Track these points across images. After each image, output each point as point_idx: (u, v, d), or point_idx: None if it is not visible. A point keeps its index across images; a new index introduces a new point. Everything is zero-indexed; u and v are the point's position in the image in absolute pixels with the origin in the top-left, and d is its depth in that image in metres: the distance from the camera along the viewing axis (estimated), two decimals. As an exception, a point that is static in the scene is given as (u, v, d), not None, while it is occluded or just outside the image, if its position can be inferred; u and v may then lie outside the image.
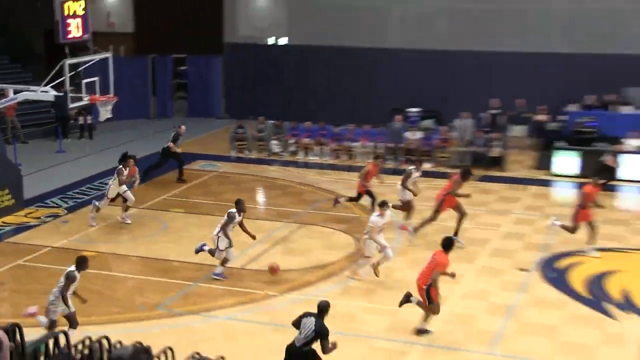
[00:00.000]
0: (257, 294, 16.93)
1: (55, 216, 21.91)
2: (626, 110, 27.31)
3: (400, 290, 15.19)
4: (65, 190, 24.07)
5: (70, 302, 13.66)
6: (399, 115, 28.01)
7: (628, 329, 15.60)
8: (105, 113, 24.23)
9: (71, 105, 23.50)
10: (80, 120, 30.43)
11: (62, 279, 13.54)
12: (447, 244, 15.16)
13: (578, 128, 26.54)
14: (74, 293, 13.87)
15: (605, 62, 28.38)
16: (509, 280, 17.62)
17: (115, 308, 16.13)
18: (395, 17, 31.35)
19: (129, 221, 21.22)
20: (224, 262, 17.46)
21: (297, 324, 12.25)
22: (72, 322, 13.69)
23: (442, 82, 29.66)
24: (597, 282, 17.51)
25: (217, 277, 17.48)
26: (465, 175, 20.31)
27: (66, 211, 22.20)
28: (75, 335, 11.63)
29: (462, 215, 19.97)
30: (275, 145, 28.84)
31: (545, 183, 25.23)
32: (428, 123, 28.40)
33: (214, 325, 13.94)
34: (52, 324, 13.55)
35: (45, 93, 21.40)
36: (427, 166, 26.46)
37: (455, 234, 19.42)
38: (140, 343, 9.50)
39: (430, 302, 14.89)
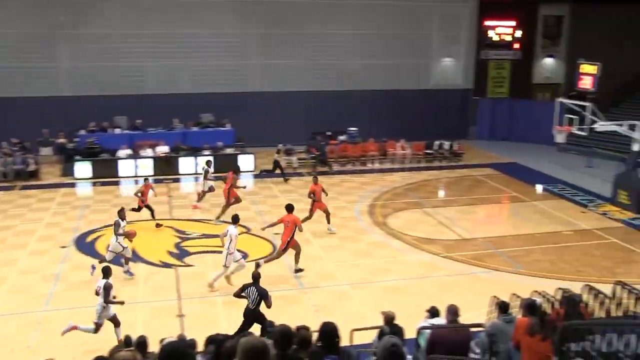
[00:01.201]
0: None
1: None
2: (117, 131, 27.07)
3: None
4: None
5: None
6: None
7: (137, 272, 15.50)
8: None
9: None
10: None
11: (102, 291, 11.56)
12: (290, 207, 15.27)
13: (88, 145, 25.73)
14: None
15: (102, 100, 27.79)
16: (59, 256, 16.46)
17: None
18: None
19: None
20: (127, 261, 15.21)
21: (238, 295, 11.65)
22: (116, 322, 11.79)
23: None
24: (115, 246, 17.23)
25: (130, 275, 15.17)
26: (237, 172, 20.15)
27: None
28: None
29: (238, 201, 19.61)
30: None
31: (71, 185, 24.12)
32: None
33: None
34: (98, 327, 11.70)
35: None
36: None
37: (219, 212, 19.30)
38: None
39: (283, 250, 14.76)
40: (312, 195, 18.62)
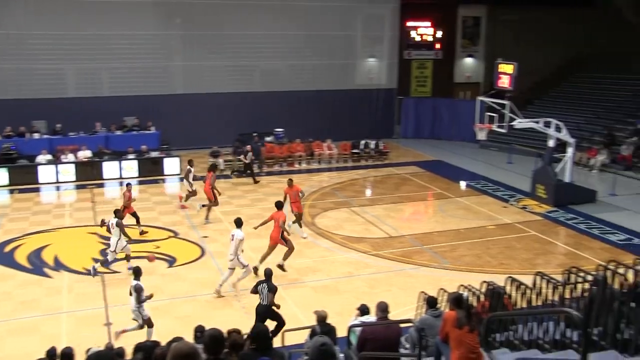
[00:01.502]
0: None
1: None
2: (36, 136, 26.06)
3: None
4: None
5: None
6: None
7: (60, 281, 15.12)
8: None
9: None
10: None
11: (133, 293, 11.57)
12: (279, 204, 15.52)
13: (4, 151, 24.65)
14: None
15: (19, 103, 26.66)
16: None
17: None
18: None
19: None
20: (128, 258, 15.39)
21: (254, 291, 11.80)
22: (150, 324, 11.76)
23: None
24: (36, 255, 16.64)
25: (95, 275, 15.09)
26: (215, 170, 20.24)
27: None
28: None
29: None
30: None
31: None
32: None
33: None
34: (146, 321, 11.72)
35: None
36: None
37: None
38: None
39: (287, 243, 15.02)
40: (285, 198, 18.22)
